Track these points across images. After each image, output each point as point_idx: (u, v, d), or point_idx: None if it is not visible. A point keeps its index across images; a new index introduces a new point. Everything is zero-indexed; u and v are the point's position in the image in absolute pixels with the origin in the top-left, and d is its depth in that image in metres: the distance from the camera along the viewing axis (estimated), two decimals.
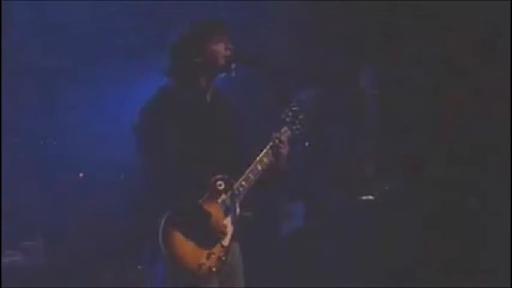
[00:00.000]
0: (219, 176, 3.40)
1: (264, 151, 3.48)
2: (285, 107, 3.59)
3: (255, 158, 3.49)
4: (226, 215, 3.43)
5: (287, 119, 3.56)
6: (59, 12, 5.46)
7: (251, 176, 3.46)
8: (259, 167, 3.47)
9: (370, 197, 5.56)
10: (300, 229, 5.38)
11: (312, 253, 5.27)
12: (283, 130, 3.53)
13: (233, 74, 3.53)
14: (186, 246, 3.32)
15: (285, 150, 3.50)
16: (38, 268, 5.28)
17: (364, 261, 5.29)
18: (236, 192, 3.45)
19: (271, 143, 3.49)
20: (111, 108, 5.33)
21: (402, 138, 5.67)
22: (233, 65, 3.51)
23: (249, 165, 3.48)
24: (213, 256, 3.35)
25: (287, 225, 5.54)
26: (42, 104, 5.59)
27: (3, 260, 5.21)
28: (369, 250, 5.34)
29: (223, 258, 3.38)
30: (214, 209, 3.36)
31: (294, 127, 3.58)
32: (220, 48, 3.47)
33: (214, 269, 3.35)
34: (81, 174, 5.56)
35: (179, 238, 3.30)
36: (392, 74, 5.91)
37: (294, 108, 3.60)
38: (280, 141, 3.50)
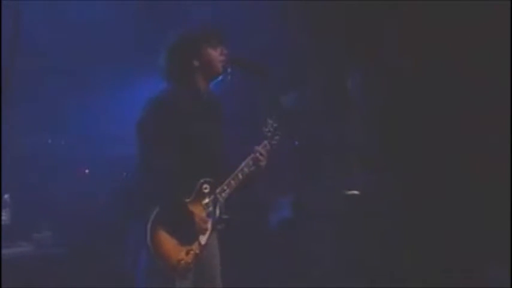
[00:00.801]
0: (205, 180, 3.54)
1: (245, 162, 3.63)
2: (266, 122, 3.76)
3: (237, 165, 3.63)
4: (207, 216, 3.54)
5: (268, 134, 3.72)
6: (68, 14, 5.43)
7: (232, 182, 3.60)
8: (240, 176, 3.61)
9: (355, 192, 5.59)
10: (288, 221, 5.42)
11: (299, 244, 5.32)
12: (263, 144, 3.69)
13: (229, 77, 3.67)
14: (169, 243, 3.41)
15: (264, 162, 3.66)
16: (46, 257, 5.31)
17: (348, 253, 5.32)
18: (218, 196, 3.57)
19: (252, 155, 3.64)
20: (117, 109, 5.34)
21: (386, 137, 5.67)
22: (229, 69, 3.63)
23: (231, 172, 3.62)
24: (191, 253, 3.45)
25: (276, 217, 5.55)
26: (52, 104, 5.57)
27: (16, 250, 5.25)
28: (353, 242, 5.36)
29: (199, 255, 3.48)
30: (198, 210, 3.49)
31: (273, 142, 3.73)
32: (216, 53, 3.57)
33: (191, 265, 3.46)
34: (86, 171, 5.64)
35: (164, 235, 3.39)
36: (378, 76, 5.81)
37: (274, 125, 3.75)
38: (261, 154, 3.66)
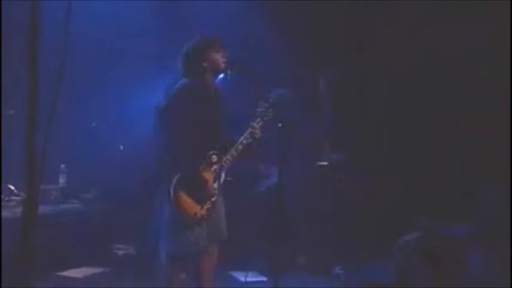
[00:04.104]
0: (213, 151, 3.71)
1: (244, 135, 3.75)
2: (259, 103, 3.76)
3: (237, 140, 3.73)
4: (215, 180, 3.71)
5: (260, 112, 3.77)
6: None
7: (234, 152, 3.73)
8: (240, 147, 3.74)
9: (324, 163, 5.73)
10: (274, 185, 5.18)
11: (282, 203, 5.02)
12: (257, 120, 3.77)
13: (228, 76, 3.83)
14: (187, 201, 3.61)
15: (258, 135, 3.77)
16: (93, 213, 5.50)
17: (317, 208, 5.45)
18: (223, 164, 3.73)
19: (249, 130, 3.76)
20: (140, 100, 5.30)
21: (349, 123, 5.78)
22: (229, 70, 3.79)
23: (233, 145, 3.73)
24: (205, 207, 3.67)
25: (265, 182, 5.54)
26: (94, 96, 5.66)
27: (69, 206, 5.42)
28: (322, 200, 5.50)
29: (211, 209, 3.70)
30: (208, 175, 3.68)
31: (265, 118, 3.78)
32: (220, 57, 3.75)
33: (205, 216, 3.68)
34: (122, 147, 5.73)
35: (183, 195, 3.60)
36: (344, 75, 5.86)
37: (265, 105, 3.78)
38: (255, 128, 3.76)
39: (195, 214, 3.64)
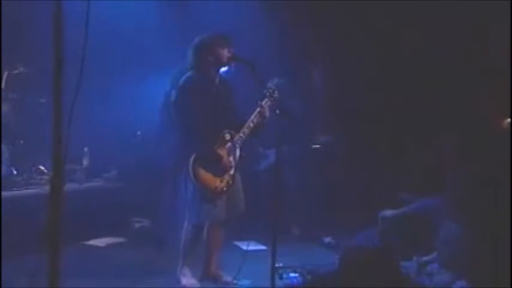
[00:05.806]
0: (226, 131, 3.82)
1: (254, 114, 3.84)
2: (266, 86, 3.82)
3: (247, 119, 3.83)
4: (230, 155, 3.81)
5: (268, 94, 3.85)
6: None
7: (246, 130, 3.83)
8: (251, 125, 3.83)
9: (317, 146, 5.83)
10: (272, 165, 5.28)
11: (279, 180, 4.88)
12: (265, 100, 3.85)
13: (232, 68, 3.91)
14: (206, 175, 3.71)
15: (267, 113, 3.86)
16: (113, 190, 5.57)
17: (310, 185, 5.50)
18: (237, 140, 3.84)
19: (258, 109, 3.84)
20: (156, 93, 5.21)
21: (337, 110, 5.86)
22: (232, 63, 3.87)
23: (244, 124, 3.82)
24: (224, 181, 3.77)
25: (264, 162, 5.61)
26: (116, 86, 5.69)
27: (91, 184, 5.50)
28: (315, 177, 5.58)
29: (230, 182, 3.81)
30: (223, 152, 3.79)
31: (272, 98, 3.85)
32: (225, 52, 3.82)
33: (225, 189, 3.78)
34: (138, 132, 5.76)
35: (202, 171, 3.70)
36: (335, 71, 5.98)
37: (271, 87, 3.88)
38: (263, 108, 3.84)
39: (215, 187, 3.72)
